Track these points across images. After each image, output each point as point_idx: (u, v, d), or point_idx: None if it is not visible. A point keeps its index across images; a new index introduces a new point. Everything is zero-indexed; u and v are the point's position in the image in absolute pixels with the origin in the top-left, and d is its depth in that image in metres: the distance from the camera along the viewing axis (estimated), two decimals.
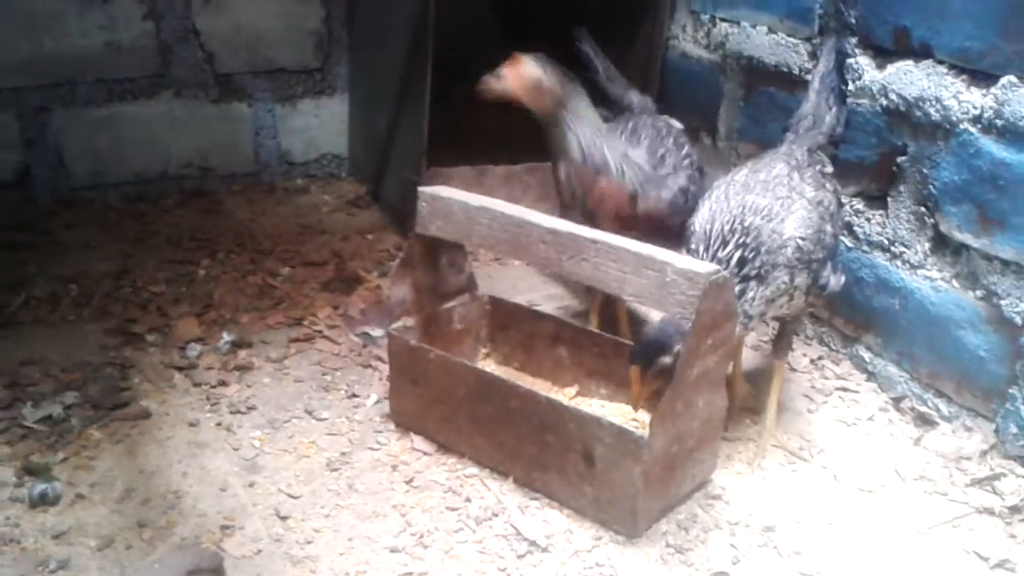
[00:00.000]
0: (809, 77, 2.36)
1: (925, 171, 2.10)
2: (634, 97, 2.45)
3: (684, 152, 2.23)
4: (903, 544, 1.77)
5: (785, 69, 2.49)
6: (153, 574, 1.49)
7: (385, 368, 2.13)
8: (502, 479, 1.86)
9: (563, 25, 2.49)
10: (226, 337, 2.28)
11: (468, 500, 1.80)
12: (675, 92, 2.92)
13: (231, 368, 2.19)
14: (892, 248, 2.21)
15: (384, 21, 2.95)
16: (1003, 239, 1.94)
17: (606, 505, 1.73)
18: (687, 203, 2.13)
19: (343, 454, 1.92)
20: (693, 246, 1.85)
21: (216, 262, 2.70)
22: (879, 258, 2.25)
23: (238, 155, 3.29)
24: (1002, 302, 1.95)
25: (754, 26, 2.59)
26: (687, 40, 2.85)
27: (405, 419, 2.02)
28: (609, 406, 2.06)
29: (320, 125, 3.38)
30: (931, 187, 2.09)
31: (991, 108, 1.94)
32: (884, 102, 2.18)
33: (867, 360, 2.31)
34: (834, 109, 2.03)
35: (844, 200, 2.18)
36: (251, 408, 2.05)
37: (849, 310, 2.34)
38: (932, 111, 2.06)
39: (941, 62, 2.04)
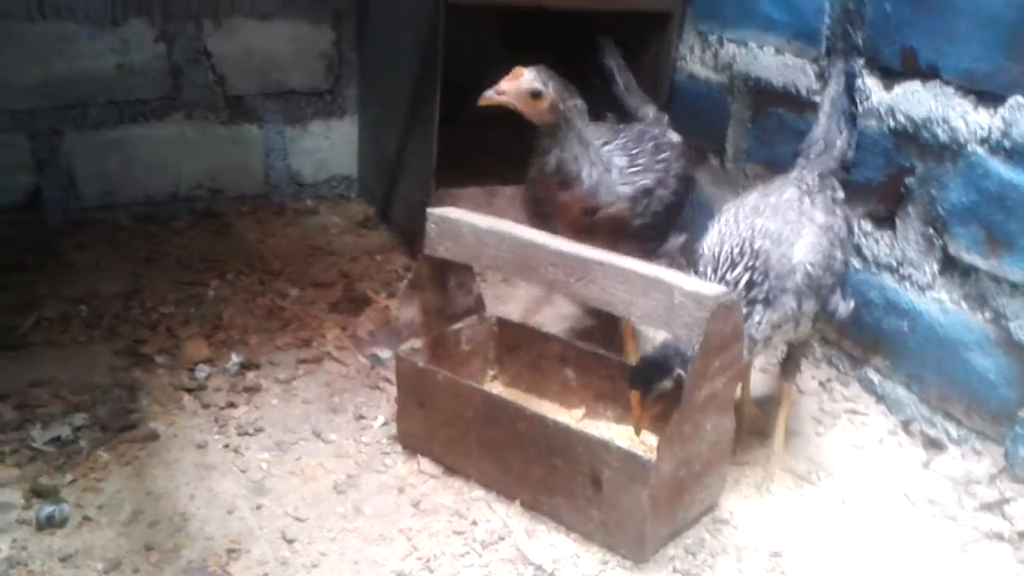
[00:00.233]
0: (817, 99, 2.36)
1: (933, 192, 2.10)
2: (650, 111, 2.46)
3: (662, 157, 2.24)
4: (912, 569, 1.76)
5: (793, 90, 2.49)
6: None
7: (393, 390, 2.13)
8: (509, 502, 1.86)
9: (571, 46, 2.51)
10: (235, 358, 2.29)
11: (474, 523, 1.80)
12: (683, 113, 2.92)
13: (239, 389, 2.20)
14: (900, 269, 2.20)
15: (394, 44, 2.97)
16: (1011, 261, 1.93)
17: (613, 529, 1.73)
18: (651, 206, 2.15)
19: (350, 476, 1.92)
20: (701, 268, 1.84)
21: (225, 283, 2.71)
22: (887, 279, 2.24)
23: (248, 176, 3.31)
24: (1011, 324, 1.94)
25: (761, 47, 2.60)
26: (695, 61, 2.86)
27: (412, 441, 2.02)
28: (616, 428, 2.05)
29: (330, 146, 3.40)
30: (939, 208, 2.08)
31: (999, 129, 1.94)
32: (891, 123, 2.18)
33: (876, 382, 2.30)
34: (845, 133, 2.02)
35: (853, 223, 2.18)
36: (259, 430, 2.06)
37: (858, 332, 2.33)
38: (939, 132, 2.06)
39: (948, 83, 2.05)
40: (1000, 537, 1.84)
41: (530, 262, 1.84)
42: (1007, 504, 1.91)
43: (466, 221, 1.92)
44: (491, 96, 2.01)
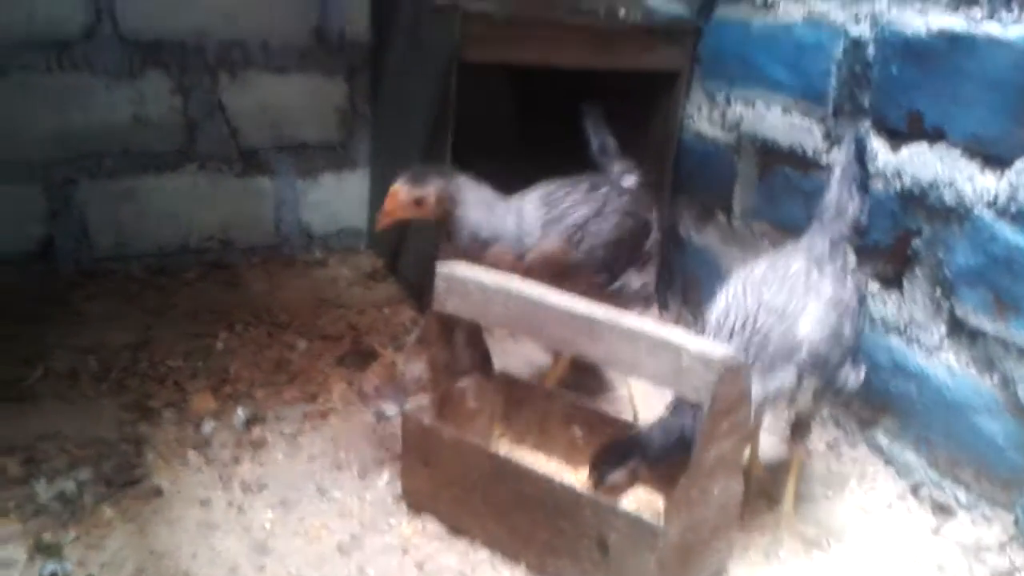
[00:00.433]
0: (824, 159, 2.38)
1: (940, 255, 2.10)
2: (616, 167, 2.50)
3: (598, 193, 2.30)
4: None
5: (799, 150, 2.51)
6: None
7: (398, 446, 2.12)
8: (514, 564, 1.84)
9: (580, 102, 2.54)
10: (241, 412, 2.29)
11: None
12: (690, 171, 2.95)
13: (245, 444, 2.19)
14: (908, 331, 2.20)
15: (407, 98, 3.01)
16: (1018, 325, 1.93)
17: None
18: (586, 239, 2.23)
19: (354, 537, 1.91)
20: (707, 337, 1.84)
21: (234, 335, 2.72)
22: (895, 341, 2.24)
23: (259, 228, 3.33)
24: (1018, 389, 1.93)
25: (768, 107, 2.62)
26: (702, 120, 2.89)
27: (417, 500, 2.01)
28: None
29: (341, 199, 3.43)
30: (946, 271, 2.08)
31: (1005, 192, 1.95)
32: (898, 185, 2.19)
33: (884, 445, 2.28)
34: (856, 199, 2.00)
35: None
36: (263, 487, 2.05)
37: (865, 394, 2.31)
38: (946, 195, 2.07)
39: (955, 146, 2.06)
40: None
41: (537, 321, 1.84)
42: (1018, 573, 1.88)
43: (473, 278, 1.93)
44: (383, 223, 2.12)
